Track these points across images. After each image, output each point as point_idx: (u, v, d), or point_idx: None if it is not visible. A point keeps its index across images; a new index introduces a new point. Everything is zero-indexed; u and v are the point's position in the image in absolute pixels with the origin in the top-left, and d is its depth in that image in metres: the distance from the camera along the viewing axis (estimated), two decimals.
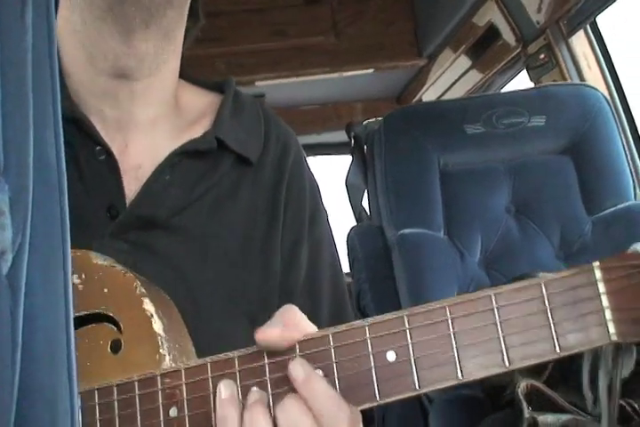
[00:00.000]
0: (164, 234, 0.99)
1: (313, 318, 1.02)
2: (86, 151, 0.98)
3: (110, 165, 0.98)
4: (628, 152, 2.26)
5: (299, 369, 0.72)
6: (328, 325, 0.94)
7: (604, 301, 0.67)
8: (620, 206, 2.16)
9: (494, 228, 2.16)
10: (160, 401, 0.75)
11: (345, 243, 2.24)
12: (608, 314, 0.67)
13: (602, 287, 0.67)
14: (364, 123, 2.43)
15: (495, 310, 0.69)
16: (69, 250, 0.57)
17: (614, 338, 0.66)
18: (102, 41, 0.95)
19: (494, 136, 2.21)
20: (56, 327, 0.54)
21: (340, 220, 2.52)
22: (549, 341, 0.68)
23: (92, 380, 0.78)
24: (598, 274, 0.68)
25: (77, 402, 0.54)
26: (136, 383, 0.76)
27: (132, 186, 0.99)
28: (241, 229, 1.04)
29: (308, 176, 1.15)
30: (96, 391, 0.77)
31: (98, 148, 0.98)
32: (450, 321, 0.70)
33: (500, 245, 2.14)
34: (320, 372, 0.73)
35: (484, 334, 0.69)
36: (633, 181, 2.20)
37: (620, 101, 2.52)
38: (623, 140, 2.25)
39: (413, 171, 2.20)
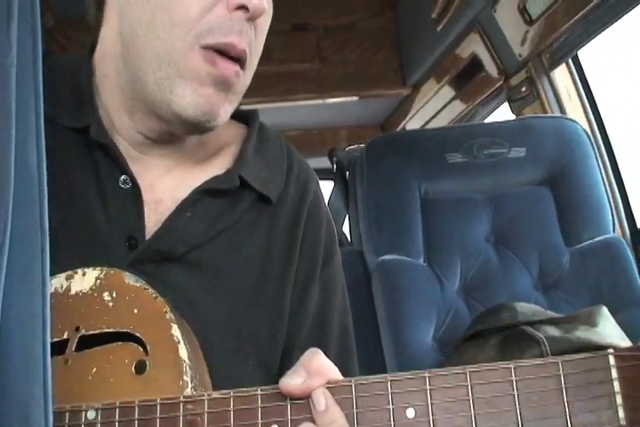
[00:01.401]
0: (181, 268, 0.99)
1: None
2: (112, 178, 0.98)
3: (134, 196, 0.98)
4: (607, 185, 2.29)
5: (321, 398, 0.73)
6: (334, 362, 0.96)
7: (616, 386, 0.71)
8: (598, 239, 2.19)
9: (474, 257, 2.18)
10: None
11: None
12: (619, 399, 0.71)
13: (615, 373, 0.71)
14: (347, 149, 2.45)
15: (514, 382, 0.72)
16: (48, 260, 0.58)
17: (623, 423, 0.70)
18: (139, 124, 1.00)
19: (475, 166, 2.24)
20: (32, 340, 0.54)
21: None
22: (562, 418, 0.71)
23: (113, 397, 0.79)
24: (612, 360, 0.71)
25: (51, 410, 0.55)
26: (158, 406, 0.77)
27: (151, 218, 0.99)
28: (257, 267, 1.04)
29: (325, 216, 1.15)
30: (117, 408, 0.78)
31: (123, 176, 0.98)
32: (470, 387, 0.73)
33: (479, 274, 2.16)
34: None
35: (502, 404, 0.72)
36: (612, 215, 2.23)
37: (601, 135, 2.56)
38: (603, 173, 2.28)
39: (395, 198, 2.22)
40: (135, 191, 0.98)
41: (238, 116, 1.14)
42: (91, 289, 0.84)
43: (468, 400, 0.72)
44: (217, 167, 1.05)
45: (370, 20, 3.58)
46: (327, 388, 0.75)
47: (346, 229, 2.44)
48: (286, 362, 1.04)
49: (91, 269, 0.85)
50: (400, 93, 3.64)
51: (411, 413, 0.73)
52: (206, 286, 1.00)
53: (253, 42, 0.97)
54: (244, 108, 3.31)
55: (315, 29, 3.57)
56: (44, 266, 0.58)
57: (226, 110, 0.96)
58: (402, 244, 2.17)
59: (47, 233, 0.59)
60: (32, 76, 0.58)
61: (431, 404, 0.72)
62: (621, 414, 0.70)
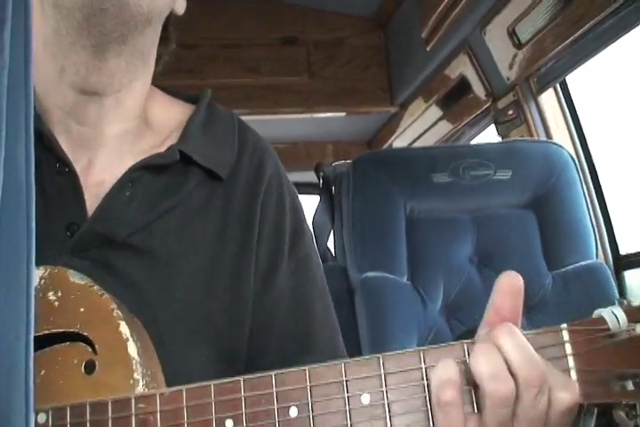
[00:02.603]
0: (127, 253, 0.95)
1: (307, 351, 1.01)
2: (48, 167, 0.95)
3: (72, 182, 0.95)
4: (591, 211, 2.31)
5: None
6: (326, 354, 0.96)
7: (570, 361, 0.71)
8: (580, 264, 2.21)
9: (457, 277, 2.19)
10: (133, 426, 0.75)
11: None
12: (573, 374, 0.71)
13: (568, 348, 0.71)
14: (334, 164, 2.46)
15: (468, 362, 0.72)
16: (33, 263, 0.58)
17: (578, 397, 0.69)
18: (75, 54, 0.93)
19: (460, 187, 2.26)
20: (17, 344, 0.54)
21: None
22: None
23: (64, 399, 0.77)
24: (566, 336, 0.72)
25: (32, 416, 0.55)
26: (110, 406, 0.76)
27: (93, 203, 0.96)
28: (210, 251, 1.00)
29: (288, 193, 1.10)
30: (68, 409, 0.77)
31: (60, 164, 0.95)
32: (424, 369, 0.73)
33: (461, 294, 2.17)
34: (295, 409, 0.73)
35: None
36: (595, 240, 2.26)
37: (586, 160, 2.58)
38: (587, 198, 2.31)
39: (380, 215, 2.23)
40: (72, 177, 0.95)
41: (190, 98, 1.12)
42: (35, 290, 0.79)
43: (422, 383, 0.72)
44: (161, 147, 1.02)
45: (360, 37, 3.60)
46: (282, 373, 0.74)
47: (330, 244, 2.44)
48: (260, 347, 1.01)
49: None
50: (388, 111, 3.66)
51: (366, 399, 0.72)
52: (155, 272, 0.96)
53: None
54: None
55: (304, 44, 3.58)
56: (30, 270, 0.58)
57: None
58: (386, 261, 2.18)
59: (33, 238, 0.59)
60: (23, 80, 0.58)
61: (386, 390, 0.72)
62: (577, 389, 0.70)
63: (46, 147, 0.95)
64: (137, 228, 0.97)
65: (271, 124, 3.70)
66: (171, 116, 1.08)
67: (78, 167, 0.96)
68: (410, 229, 2.22)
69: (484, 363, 0.69)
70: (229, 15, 3.49)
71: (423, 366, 0.73)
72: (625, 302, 0.71)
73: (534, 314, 2.16)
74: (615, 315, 0.70)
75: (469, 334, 2.03)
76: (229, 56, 3.49)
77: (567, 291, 2.17)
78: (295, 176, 4.07)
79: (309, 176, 2.67)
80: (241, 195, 1.04)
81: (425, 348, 0.74)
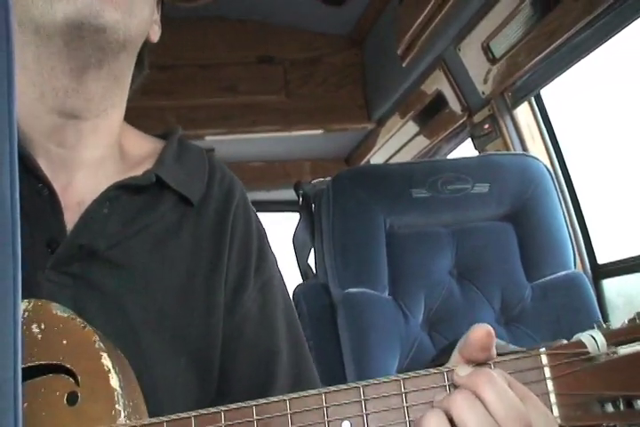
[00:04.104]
0: (105, 267, 0.98)
1: (271, 363, 1.06)
2: (28, 188, 0.96)
3: (52, 202, 0.97)
4: (568, 221, 2.33)
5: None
6: (289, 373, 1.01)
7: (550, 385, 0.72)
8: (559, 274, 2.23)
9: (437, 290, 2.20)
10: None
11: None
12: (553, 398, 0.71)
13: (547, 372, 0.72)
14: (313, 182, 2.46)
15: (447, 387, 0.73)
16: (20, 285, 0.57)
17: (558, 421, 0.70)
18: (54, 78, 0.95)
19: (439, 201, 2.27)
20: (5, 370, 0.54)
21: (286, 277, 2.53)
22: None
23: None
24: (544, 359, 0.72)
25: None
26: None
27: (73, 220, 0.98)
28: (184, 267, 1.04)
29: (254, 219, 1.16)
30: None
31: (40, 185, 0.97)
32: (404, 395, 0.73)
33: (442, 307, 2.18)
34: None
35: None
36: (573, 250, 2.28)
37: (562, 172, 2.61)
38: (564, 209, 2.33)
39: (360, 231, 2.24)
40: (52, 197, 0.97)
41: (160, 135, 1.16)
42: None
43: (402, 408, 0.73)
44: (137, 171, 1.05)
45: (336, 55, 3.63)
46: (264, 403, 0.75)
47: (311, 261, 2.44)
48: (230, 364, 1.05)
49: None
50: (365, 128, 3.68)
51: (346, 425, 0.73)
52: (133, 285, 0.99)
53: None
54: (208, 138, 3.29)
55: (281, 62, 3.60)
56: (16, 292, 0.58)
57: (117, 11, 0.93)
58: (367, 277, 2.19)
59: (19, 259, 0.59)
60: (6, 98, 0.59)
61: (366, 415, 0.73)
62: (556, 412, 0.71)
63: (26, 168, 0.97)
64: (115, 242, 1.00)
65: (249, 143, 3.72)
66: (143, 148, 1.12)
67: (58, 188, 0.98)
68: (390, 244, 2.23)
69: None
70: (205, 35, 3.51)
71: (403, 390, 0.73)
72: (604, 325, 0.72)
73: (514, 325, 2.17)
74: (594, 338, 0.71)
75: (451, 347, 2.04)
76: (206, 76, 3.50)
77: (547, 301, 2.19)
78: (274, 194, 4.11)
79: (288, 193, 2.67)
80: (211, 219, 1.09)
81: (405, 376, 0.74)
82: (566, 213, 2.35)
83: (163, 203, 1.05)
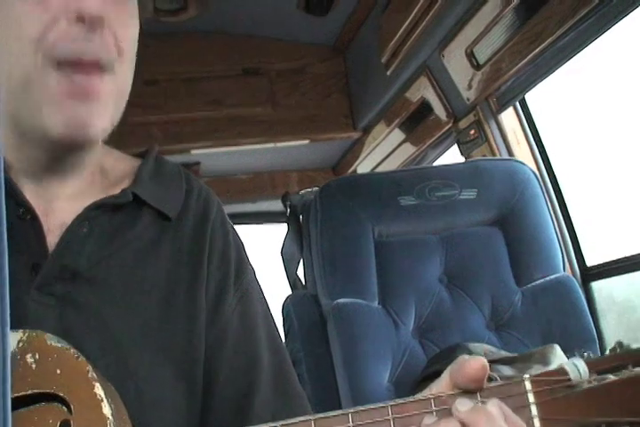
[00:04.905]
0: (88, 286, 1.00)
1: (252, 370, 1.07)
2: (11, 213, 0.93)
3: (34, 227, 0.99)
4: (556, 225, 2.33)
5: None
6: (271, 380, 1.04)
7: (533, 410, 0.73)
8: (548, 278, 2.23)
9: (427, 297, 2.19)
10: None
11: (280, 312, 2.24)
12: (537, 422, 0.73)
13: (531, 398, 0.73)
14: (300, 193, 2.46)
15: (434, 413, 0.74)
16: (8, 318, 0.56)
17: None
18: (33, 159, 1.00)
19: (427, 208, 2.27)
20: None
21: (276, 288, 2.53)
22: None
23: None
24: (528, 385, 0.74)
25: None
26: None
27: (55, 244, 1.00)
28: (164, 281, 1.06)
29: (232, 233, 1.17)
30: None
31: (22, 210, 0.99)
32: (392, 421, 0.74)
33: (433, 314, 2.18)
34: None
35: None
36: (562, 253, 2.27)
37: (548, 175, 2.61)
38: (552, 213, 2.33)
39: (348, 241, 2.23)
40: (34, 222, 0.99)
41: (138, 154, 1.18)
42: (13, 353, 0.83)
43: None
44: (115, 191, 1.07)
45: (321, 65, 3.63)
46: None
47: (300, 272, 2.43)
48: (212, 374, 1.06)
49: (13, 332, 0.83)
50: (351, 137, 3.68)
51: None
52: (115, 302, 1.01)
53: (119, 36, 0.97)
54: (194, 151, 3.29)
55: (266, 74, 3.60)
56: (4, 325, 0.57)
57: (102, 119, 0.96)
58: (356, 287, 2.18)
59: (7, 298, 0.58)
60: None
61: None
62: None
63: (8, 193, 0.94)
64: (96, 261, 1.02)
65: (235, 156, 3.71)
66: (122, 166, 1.14)
67: (40, 212, 1.00)
68: (379, 252, 2.23)
69: None
70: (189, 49, 3.50)
71: (391, 416, 0.75)
72: (586, 354, 0.76)
73: (505, 331, 2.16)
74: (576, 366, 0.73)
75: (442, 355, 2.04)
76: (191, 90, 3.50)
77: (537, 306, 2.18)
78: (261, 206, 4.10)
79: (276, 205, 2.67)
80: (190, 233, 1.11)
81: (392, 402, 0.75)
82: (554, 217, 2.35)
83: (141, 219, 1.07)
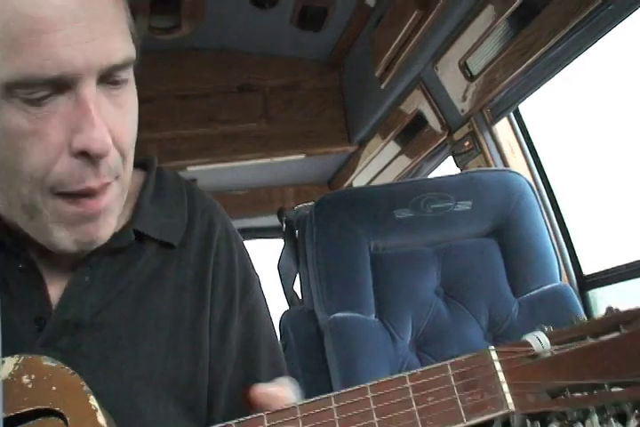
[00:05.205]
0: (92, 333, 0.98)
1: (252, 380, 1.01)
2: (8, 264, 0.98)
3: (36, 279, 0.98)
4: (552, 234, 2.32)
5: None
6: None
7: (501, 376, 0.79)
8: (545, 288, 2.22)
9: (424, 310, 2.18)
10: None
11: (277, 327, 2.23)
12: (505, 387, 0.78)
13: (498, 366, 0.79)
14: (296, 208, 2.46)
15: (409, 388, 0.79)
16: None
17: (512, 408, 0.77)
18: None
19: (423, 220, 2.26)
20: None
21: (272, 304, 2.51)
22: (458, 412, 0.78)
23: None
24: (494, 355, 0.79)
25: None
26: None
27: (58, 296, 0.99)
28: (169, 312, 1.04)
29: (237, 246, 1.14)
30: None
31: (22, 265, 0.98)
32: (371, 400, 0.79)
33: (430, 327, 2.17)
34: None
35: (400, 408, 0.78)
36: (558, 264, 2.26)
37: (544, 185, 2.61)
38: (547, 223, 2.33)
39: (344, 255, 2.22)
40: (37, 276, 0.98)
41: (137, 164, 1.12)
42: (10, 375, 0.85)
43: (370, 410, 0.78)
44: (116, 225, 1.03)
45: (315, 80, 3.64)
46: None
47: (297, 288, 2.42)
48: (215, 399, 1.06)
49: (9, 357, 0.86)
50: (346, 150, 3.69)
51: None
52: (120, 345, 0.99)
53: (122, 143, 0.92)
54: (190, 168, 3.28)
55: (261, 89, 3.61)
56: None
57: (110, 226, 0.95)
58: (353, 301, 2.17)
59: None
60: None
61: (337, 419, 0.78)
62: (510, 399, 0.77)
63: (6, 247, 0.99)
64: (99, 309, 1.00)
65: (231, 172, 3.72)
66: None
67: (40, 264, 0.99)
68: (375, 266, 2.22)
69: None
70: (183, 66, 3.52)
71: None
72: (547, 328, 0.81)
73: (503, 341, 2.13)
74: (538, 338, 0.79)
75: None
76: (186, 107, 3.51)
77: (534, 316, 2.17)
78: (258, 221, 4.10)
79: (272, 220, 2.66)
80: (193, 259, 1.08)
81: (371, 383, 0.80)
82: (549, 226, 2.35)
83: (144, 254, 1.05)
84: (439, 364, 0.80)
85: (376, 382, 0.80)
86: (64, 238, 0.92)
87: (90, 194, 0.90)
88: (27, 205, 0.90)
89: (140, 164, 1.14)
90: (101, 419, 0.83)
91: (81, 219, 0.91)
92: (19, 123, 0.85)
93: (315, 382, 2.11)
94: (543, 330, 0.80)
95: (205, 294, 1.07)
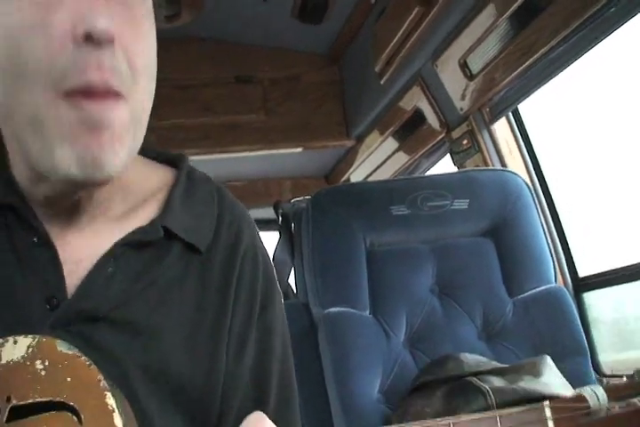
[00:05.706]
0: (107, 327, 0.95)
1: (262, 398, 1.02)
2: (25, 239, 0.95)
3: (50, 256, 0.94)
4: (548, 236, 2.33)
5: None
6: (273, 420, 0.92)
7: None
8: (540, 289, 2.22)
9: (419, 308, 2.18)
10: None
11: None
12: None
13: (551, 424, 0.74)
14: (292, 201, 2.46)
15: None
16: None
17: None
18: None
19: (419, 218, 2.26)
20: None
21: None
22: None
23: None
24: (548, 412, 0.75)
25: None
26: None
27: (73, 276, 0.95)
28: (188, 320, 1.00)
29: (262, 260, 1.10)
30: None
31: (36, 238, 0.94)
32: None
33: (424, 324, 2.17)
34: None
35: None
36: (554, 265, 2.27)
37: (541, 186, 2.61)
38: (544, 224, 2.34)
39: (340, 250, 2.22)
40: (51, 252, 0.94)
41: (166, 159, 1.10)
42: (22, 358, 0.81)
43: None
44: (141, 218, 1.00)
45: (315, 73, 3.64)
46: None
47: (291, 281, 2.43)
48: (225, 412, 1.01)
49: (22, 336, 0.83)
50: (344, 145, 3.69)
51: None
52: (134, 345, 0.95)
53: (132, 56, 0.88)
54: (188, 158, 3.26)
55: (260, 81, 3.61)
56: None
57: (117, 154, 0.87)
58: (347, 296, 2.17)
59: None
60: None
61: None
62: None
63: (22, 218, 0.95)
64: (118, 303, 0.96)
65: (229, 163, 3.71)
66: (150, 180, 1.06)
67: (56, 241, 0.95)
68: (370, 262, 2.22)
69: None
70: (183, 56, 3.50)
71: None
72: (605, 380, 0.75)
73: (497, 342, 2.16)
74: (595, 393, 0.74)
75: (433, 365, 2.03)
76: (185, 96, 3.50)
77: (528, 316, 2.18)
78: (255, 213, 4.08)
79: (269, 212, 2.66)
80: (218, 266, 1.04)
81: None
82: (546, 227, 2.35)
83: (170, 254, 1.01)
84: (489, 413, 0.76)
85: (419, 424, 0.76)
86: (66, 157, 0.84)
87: (91, 93, 0.84)
88: (30, 115, 0.85)
89: (170, 160, 1.11)
90: (118, 420, 0.79)
91: (84, 130, 0.84)
92: (23, 14, 0.83)
93: (307, 376, 2.10)
94: (601, 382, 0.75)
95: (227, 303, 1.03)
